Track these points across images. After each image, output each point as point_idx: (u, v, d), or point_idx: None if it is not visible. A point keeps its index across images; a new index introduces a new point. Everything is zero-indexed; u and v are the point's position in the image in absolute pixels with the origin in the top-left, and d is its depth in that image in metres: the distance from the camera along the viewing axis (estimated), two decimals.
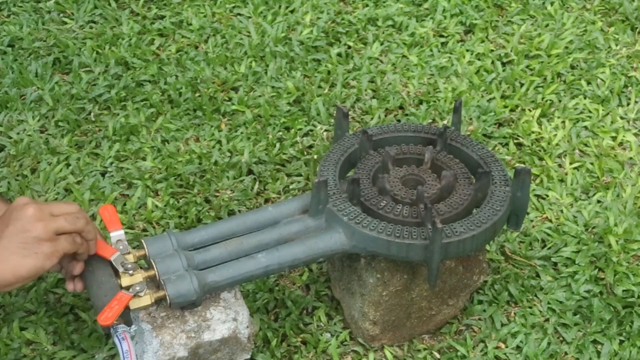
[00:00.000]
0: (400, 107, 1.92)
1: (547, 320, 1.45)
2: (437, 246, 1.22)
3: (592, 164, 1.76)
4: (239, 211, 1.64)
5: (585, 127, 1.86)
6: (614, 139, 1.83)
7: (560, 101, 1.93)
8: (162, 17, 2.22)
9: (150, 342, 1.22)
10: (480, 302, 1.48)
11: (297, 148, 1.79)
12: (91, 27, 2.18)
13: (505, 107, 1.91)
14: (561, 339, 1.43)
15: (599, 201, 1.67)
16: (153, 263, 1.24)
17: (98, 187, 1.69)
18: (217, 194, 1.68)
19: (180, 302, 1.21)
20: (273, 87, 1.97)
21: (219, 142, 1.81)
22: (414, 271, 1.31)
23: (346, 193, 1.32)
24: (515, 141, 1.83)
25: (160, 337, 1.22)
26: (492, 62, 2.05)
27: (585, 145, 1.82)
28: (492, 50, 2.09)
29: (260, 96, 1.94)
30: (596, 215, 1.63)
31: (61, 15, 2.23)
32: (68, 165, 1.75)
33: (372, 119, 1.87)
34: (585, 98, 1.94)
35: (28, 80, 1.97)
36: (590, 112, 1.90)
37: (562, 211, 1.65)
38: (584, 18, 2.20)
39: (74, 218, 1.19)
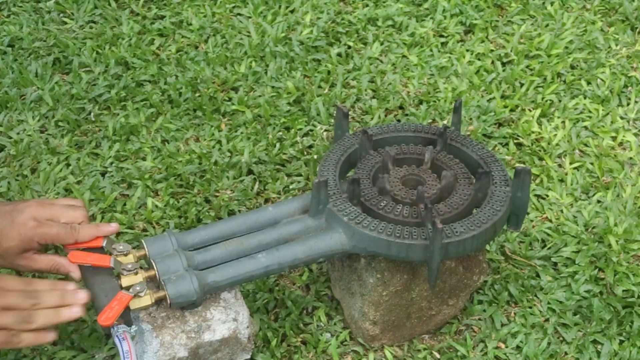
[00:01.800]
0: (400, 107, 1.92)
1: (547, 320, 1.45)
2: (437, 246, 1.22)
3: (592, 164, 1.76)
4: (239, 211, 1.64)
5: (585, 127, 1.86)
6: (614, 139, 1.83)
7: (560, 101, 1.93)
8: (162, 17, 2.22)
9: (150, 342, 1.22)
10: (480, 302, 1.48)
11: (297, 148, 1.79)
12: (91, 27, 2.18)
13: (505, 107, 1.91)
14: (561, 339, 1.43)
15: (599, 201, 1.67)
16: (153, 263, 1.24)
17: (98, 187, 1.69)
18: (217, 194, 1.68)
19: (180, 302, 1.21)
20: (273, 87, 1.97)
21: (219, 142, 1.81)
22: (414, 271, 1.31)
23: (346, 193, 1.32)
24: (515, 141, 1.83)
25: (161, 337, 1.22)
26: (492, 62, 2.05)
27: (585, 145, 1.82)
28: (492, 50, 2.09)
29: (260, 96, 1.94)
30: (596, 215, 1.63)
31: (61, 15, 2.23)
32: (68, 165, 1.75)
33: (372, 119, 1.87)
34: (585, 98, 1.94)
35: (28, 80, 1.97)
36: (590, 112, 1.90)
37: (562, 211, 1.65)
38: (584, 18, 2.20)
39: (21, 317, 1.14)
